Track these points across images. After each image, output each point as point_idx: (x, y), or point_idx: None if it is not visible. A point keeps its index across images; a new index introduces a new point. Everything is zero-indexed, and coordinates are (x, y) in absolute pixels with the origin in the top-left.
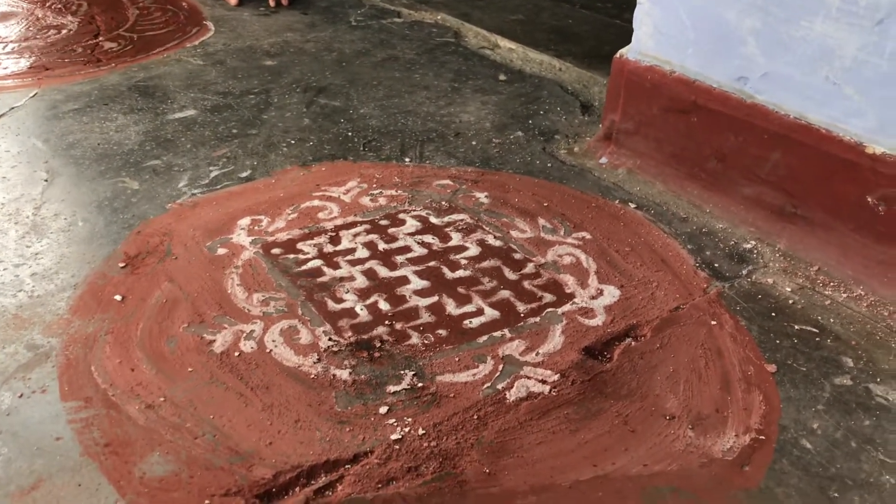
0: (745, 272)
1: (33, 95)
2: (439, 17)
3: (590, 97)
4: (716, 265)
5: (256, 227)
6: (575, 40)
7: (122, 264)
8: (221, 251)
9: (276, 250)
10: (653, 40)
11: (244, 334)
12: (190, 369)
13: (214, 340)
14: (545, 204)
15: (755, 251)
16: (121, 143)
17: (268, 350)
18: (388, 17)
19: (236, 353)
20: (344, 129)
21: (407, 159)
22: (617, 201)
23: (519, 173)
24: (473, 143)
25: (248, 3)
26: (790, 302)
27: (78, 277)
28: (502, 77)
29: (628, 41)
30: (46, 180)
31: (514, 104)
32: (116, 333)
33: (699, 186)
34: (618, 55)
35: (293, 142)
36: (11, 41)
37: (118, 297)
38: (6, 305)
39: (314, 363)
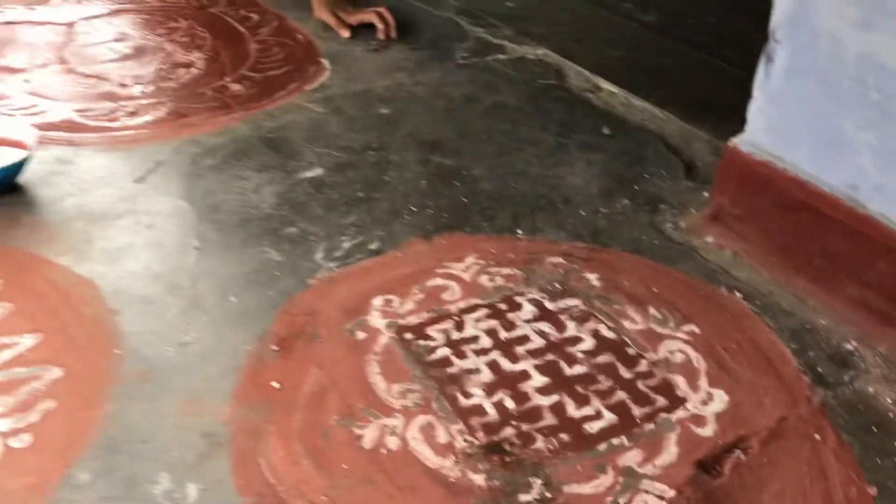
0: (847, 378)
1: (174, 148)
2: (541, 52)
3: (692, 155)
4: (819, 369)
5: (389, 308)
6: (676, 83)
7: (274, 347)
8: (360, 335)
9: (408, 335)
10: (766, 135)
11: (388, 430)
12: (345, 466)
13: (363, 436)
14: (654, 289)
15: (857, 354)
16: (258, 206)
17: (410, 448)
18: (493, 54)
19: (383, 451)
20: (458, 194)
21: (519, 231)
22: (723, 288)
23: (627, 251)
24: (582, 212)
25: (359, 35)
26: (891, 415)
27: (237, 360)
28: (606, 130)
29: (727, 86)
30: (198, 248)
31: (618, 164)
32: (278, 424)
33: (804, 279)
34: (730, 144)
35: (414, 209)
36: (148, 81)
37: (275, 385)
38: (177, 389)
39: (453, 465)
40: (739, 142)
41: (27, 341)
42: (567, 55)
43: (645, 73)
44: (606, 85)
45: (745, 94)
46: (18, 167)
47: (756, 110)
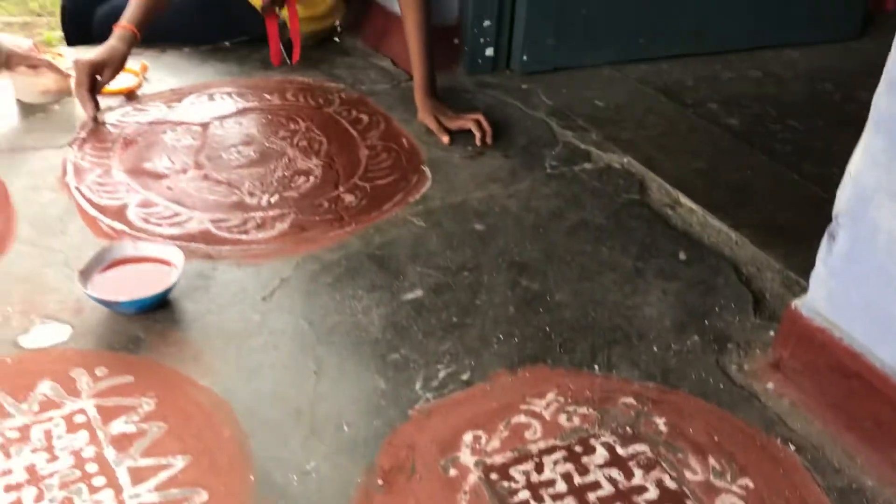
0: None
1: (296, 264)
2: (625, 161)
3: (762, 285)
4: None
5: (477, 446)
6: (752, 202)
7: (380, 481)
8: (453, 472)
9: (493, 475)
10: (825, 304)
11: None
12: None
13: None
14: (715, 438)
15: None
16: (367, 328)
17: None
18: (580, 162)
19: None
20: (542, 322)
21: (596, 366)
22: (778, 440)
23: (694, 394)
24: (654, 348)
25: (458, 140)
26: None
27: (349, 493)
28: (682, 255)
29: (804, 207)
30: (316, 372)
31: (691, 295)
32: None
33: (854, 438)
34: (792, 306)
35: (502, 337)
36: (273, 190)
37: None
38: None
39: None
40: (801, 304)
41: (179, 463)
42: (650, 165)
43: (723, 189)
44: (686, 200)
45: (819, 218)
46: (171, 289)
47: (817, 279)
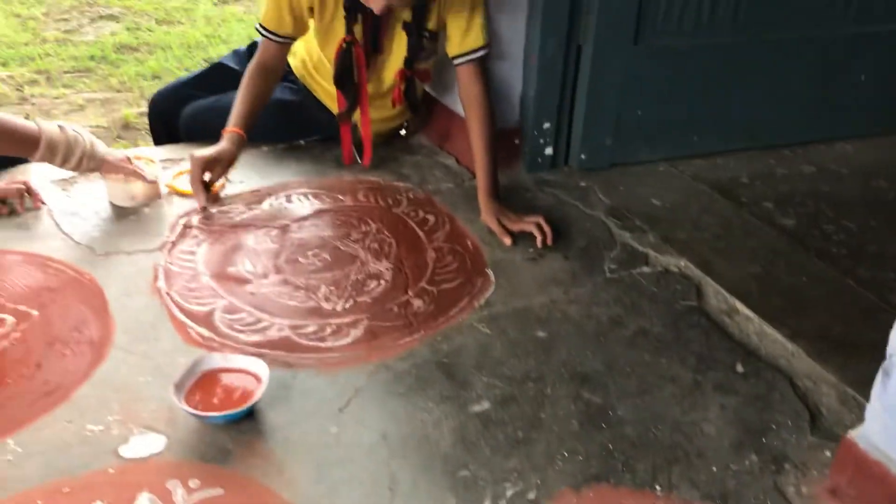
0: None
1: (369, 373)
2: (682, 264)
3: (818, 400)
4: None
5: None
6: (807, 310)
7: None
8: None
9: None
10: (881, 438)
11: None
12: None
13: None
14: None
15: None
16: (438, 443)
17: None
18: (638, 265)
19: None
20: (605, 438)
21: (657, 486)
22: None
23: None
24: (713, 468)
25: (519, 241)
26: None
27: None
28: (739, 368)
29: (859, 316)
30: (391, 489)
31: (749, 411)
32: None
33: None
34: (848, 436)
35: (566, 454)
36: (348, 295)
37: None
38: None
39: None
40: (857, 435)
41: None
42: (706, 269)
43: (779, 296)
44: (742, 308)
45: (874, 329)
46: (256, 403)
47: (873, 413)
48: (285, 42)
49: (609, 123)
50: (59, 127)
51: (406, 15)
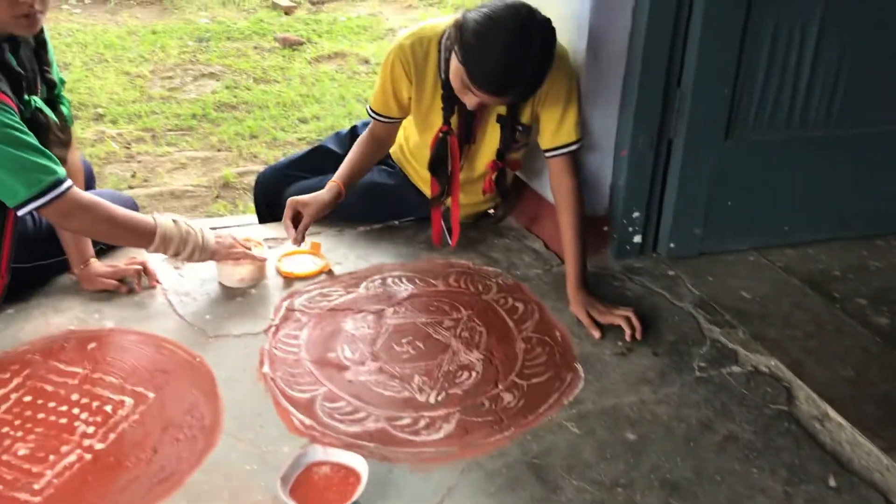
0: None
1: (461, 472)
2: (773, 364)
3: None
4: None
5: None
6: None
7: None
8: None
9: None
10: None
11: None
12: None
13: None
14: None
15: None
16: None
17: None
18: (728, 365)
19: None
20: None
21: None
22: None
23: None
24: None
25: (608, 333)
26: None
27: None
28: (832, 482)
29: None
30: None
31: None
32: None
33: None
34: None
35: None
36: (440, 387)
37: None
38: None
39: None
40: None
41: None
42: (797, 370)
43: (873, 403)
44: (834, 414)
45: None
46: (356, 502)
47: None
48: (392, 122)
49: (698, 213)
50: (174, 221)
51: (500, 108)
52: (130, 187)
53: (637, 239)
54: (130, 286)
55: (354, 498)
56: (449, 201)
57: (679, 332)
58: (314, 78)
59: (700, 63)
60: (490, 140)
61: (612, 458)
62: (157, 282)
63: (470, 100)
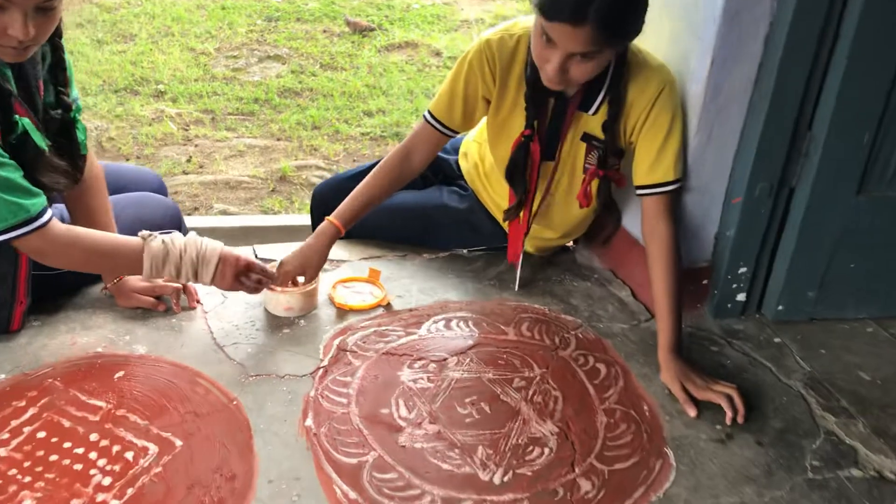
0: None
1: None
2: None
3: None
4: None
5: None
6: None
7: None
8: None
9: None
10: None
11: None
12: None
13: None
14: None
15: None
16: None
17: None
18: (845, 466)
19: None
20: None
21: None
22: None
23: None
24: None
25: (704, 412)
26: None
27: None
28: None
29: None
30: None
31: None
32: None
33: None
34: None
35: None
36: (507, 464)
37: None
38: None
39: None
40: None
41: None
42: None
43: None
44: None
45: None
46: None
47: None
48: (444, 135)
49: (815, 273)
50: (163, 242)
51: (591, 125)
52: (185, 172)
53: (741, 297)
54: (168, 304)
55: None
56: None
57: (787, 418)
58: (382, 68)
59: (840, 104)
60: (574, 161)
61: None
62: (198, 301)
63: (550, 57)
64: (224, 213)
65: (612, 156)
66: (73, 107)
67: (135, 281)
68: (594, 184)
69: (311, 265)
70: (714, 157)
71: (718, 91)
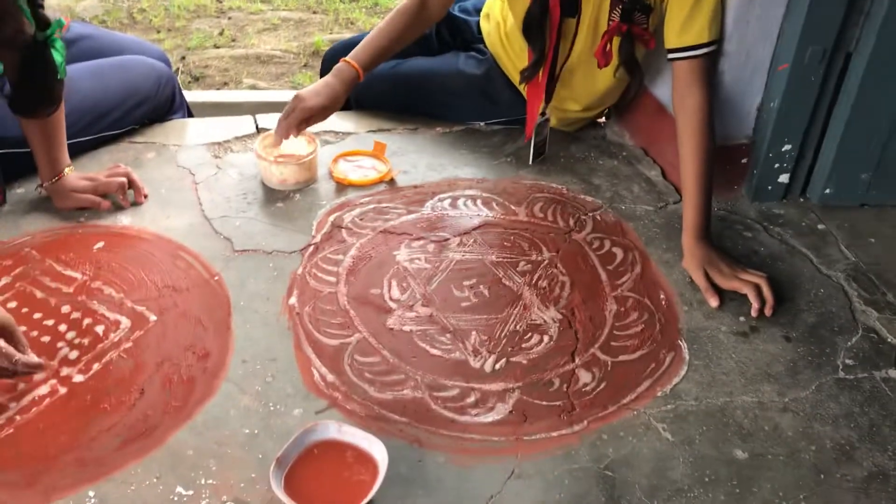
0: None
1: (509, 475)
2: None
3: None
4: None
5: None
6: None
7: None
8: None
9: None
10: None
11: None
12: None
13: None
14: None
15: None
16: None
17: None
18: (883, 366)
19: None
20: None
21: None
22: None
23: None
24: None
25: (728, 303)
26: None
27: None
28: None
29: None
30: None
31: None
32: None
33: None
34: None
35: None
36: (501, 351)
37: None
38: None
39: None
40: None
41: None
42: None
43: None
44: None
45: None
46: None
47: None
48: None
49: (872, 153)
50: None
51: None
52: (216, 46)
53: (783, 178)
54: (114, 200)
55: (366, 500)
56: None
57: (822, 313)
58: None
59: None
60: (596, 18)
61: (711, 485)
62: (145, 196)
63: None
64: (253, 87)
65: (638, 12)
66: (51, 23)
67: (75, 179)
68: (615, 41)
69: (329, 106)
70: (759, 15)
71: None
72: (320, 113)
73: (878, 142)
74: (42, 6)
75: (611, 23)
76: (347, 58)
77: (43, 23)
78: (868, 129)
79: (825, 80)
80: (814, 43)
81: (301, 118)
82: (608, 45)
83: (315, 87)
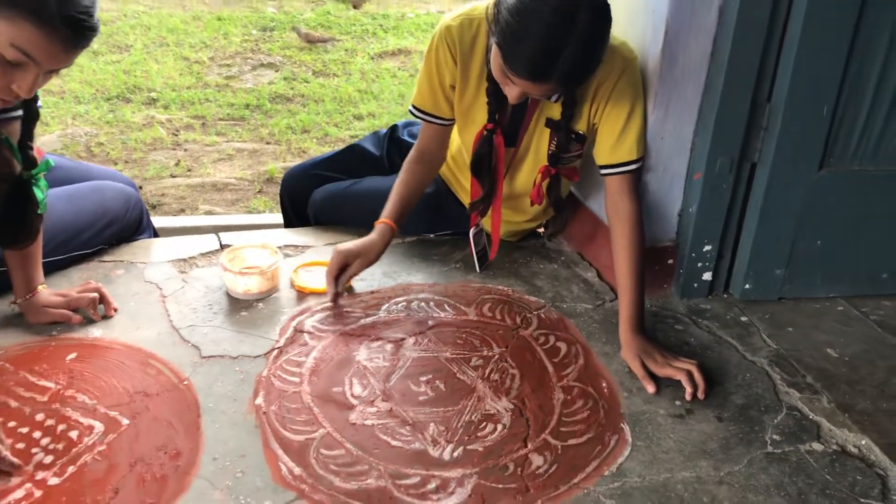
0: None
1: None
2: (863, 444)
3: None
4: None
5: None
6: None
7: None
8: None
9: None
10: None
11: None
12: None
13: None
14: None
15: None
16: None
17: None
18: (807, 440)
19: None
20: None
21: None
22: None
23: None
24: None
25: (664, 389)
26: None
27: None
28: None
29: None
30: None
31: None
32: None
33: None
34: None
35: None
36: (458, 440)
37: None
38: None
39: None
40: None
41: None
42: (893, 453)
43: None
44: None
45: None
46: None
47: None
48: (443, 125)
49: (782, 251)
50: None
51: (553, 111)
52: (173, 176)
53: (707, 276)
54: (85, 315)
55: None
56: (488, 216)
57: (750, 395)
58: (375, 74)
59: (797, 74)
60: (537, 147)
61: None
62: (115, 309)
63: (511, 90)
64: (209, 213)
65: (574, 141)
66: (38, 164)
67: (47, 295)
68: (544, 184)
69: (367, 255)
70: (673, 132)
71: (674, 63)
72: (355, 256)
73: (786, 241)
74: (32, 147)
75: (541, 168)
76: (382, 218)
77: (30, 163)
78: (776, 229)
79: (735, 187)
80: (722, 154)
81: (339, 262)
82: (541, 187)
83: (357, 241)
